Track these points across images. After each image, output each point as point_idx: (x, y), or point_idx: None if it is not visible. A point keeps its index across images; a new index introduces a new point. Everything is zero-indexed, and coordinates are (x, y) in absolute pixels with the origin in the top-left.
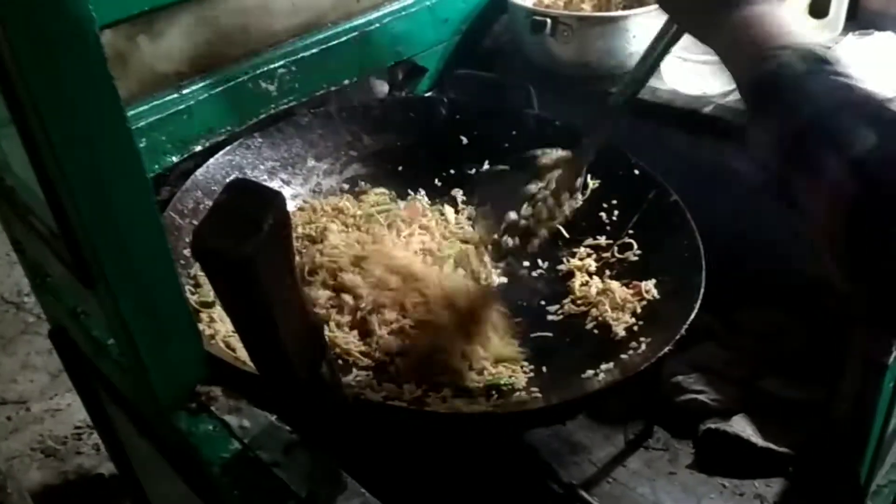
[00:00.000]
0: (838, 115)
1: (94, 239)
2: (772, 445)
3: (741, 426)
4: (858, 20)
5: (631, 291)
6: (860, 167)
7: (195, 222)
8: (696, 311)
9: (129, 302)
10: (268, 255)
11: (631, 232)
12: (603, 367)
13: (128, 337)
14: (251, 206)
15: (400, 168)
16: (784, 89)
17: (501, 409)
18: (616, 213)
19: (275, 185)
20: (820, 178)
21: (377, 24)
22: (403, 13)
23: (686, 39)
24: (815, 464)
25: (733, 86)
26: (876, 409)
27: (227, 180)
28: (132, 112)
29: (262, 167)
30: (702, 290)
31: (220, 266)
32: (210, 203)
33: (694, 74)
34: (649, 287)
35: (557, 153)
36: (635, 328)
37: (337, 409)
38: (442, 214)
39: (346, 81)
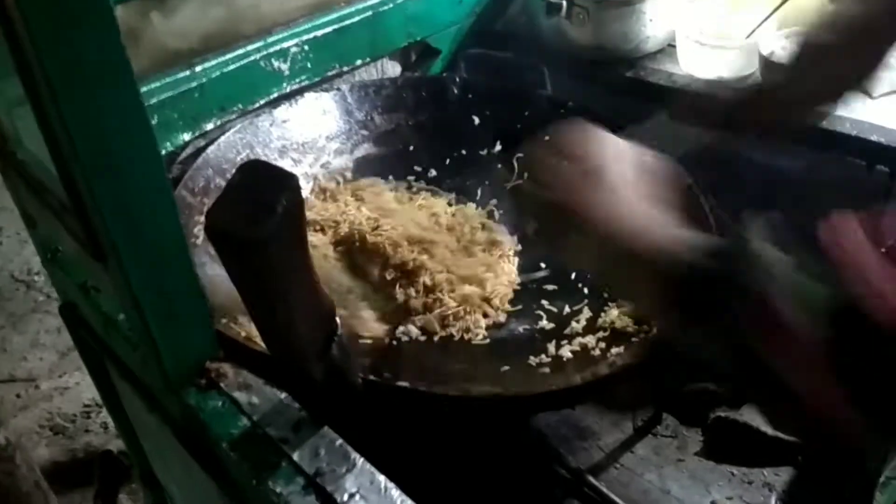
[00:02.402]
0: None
1: (105, 213)
2: (781, 434)
3: (750, 415)
4: None
5: None
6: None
7: (206, 200)
8: None
9: (139, 277)
10: (281, 238)
11: None
12: (613, 350)
13: (138, 312)
14: (265, 188)
15: (411, 148)
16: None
17: (509, 391)
18: None
19: (285, 163)
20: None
21: (391, 5)
22: None
23: (703, 23)
24: (824, 453)
25: (750, 70)
26: None
27: (238, 158)
28: (144, 89)
29: (272, 146)
30: None
31: (233, 248)
32: (221, 181)
33: (710, 58)
34: None
35: None
36: None
37: (347, 390)
38: None
39: (359, 62)
